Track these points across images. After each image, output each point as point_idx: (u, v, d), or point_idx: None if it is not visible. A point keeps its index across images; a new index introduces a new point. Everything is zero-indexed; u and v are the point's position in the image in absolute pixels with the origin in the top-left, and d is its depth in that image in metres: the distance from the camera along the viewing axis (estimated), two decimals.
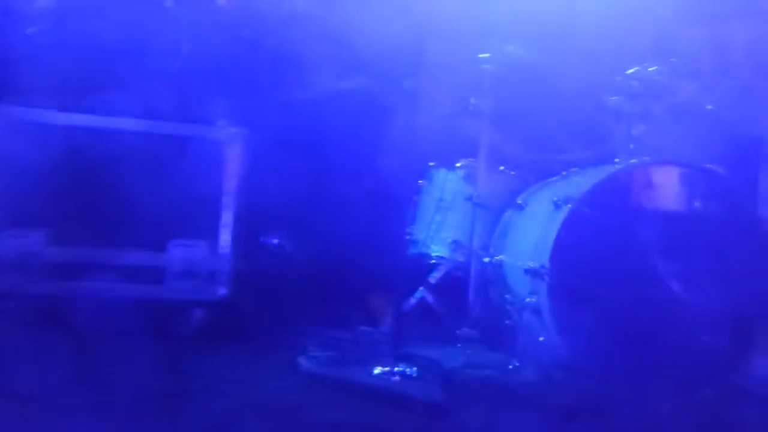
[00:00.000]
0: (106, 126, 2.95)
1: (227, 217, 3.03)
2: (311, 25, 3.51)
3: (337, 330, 2.92)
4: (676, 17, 3.03)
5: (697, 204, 2.57)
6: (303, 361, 2.67)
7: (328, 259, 3.23)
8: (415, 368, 2.60)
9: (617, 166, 2.71)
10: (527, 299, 2.68)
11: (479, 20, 3.10)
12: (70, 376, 2.23)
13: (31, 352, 2.40)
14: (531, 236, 2.76)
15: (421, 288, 3.10)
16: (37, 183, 2.82)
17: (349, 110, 3.38)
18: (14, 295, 2.77)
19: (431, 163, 3.28)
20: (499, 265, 2.97)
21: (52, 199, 2.85)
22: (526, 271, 2.68)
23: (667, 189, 2.60)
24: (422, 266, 3.20)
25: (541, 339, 2.64)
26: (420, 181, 3.32)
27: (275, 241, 3.43)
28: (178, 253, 2.99)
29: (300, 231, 3.32)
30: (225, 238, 3.03)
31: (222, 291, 3.00)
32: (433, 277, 3.11)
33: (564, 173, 2.97)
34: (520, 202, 2.96)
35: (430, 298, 3.10)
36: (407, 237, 3.28)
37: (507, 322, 2.93)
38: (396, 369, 2.58)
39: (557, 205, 2.65)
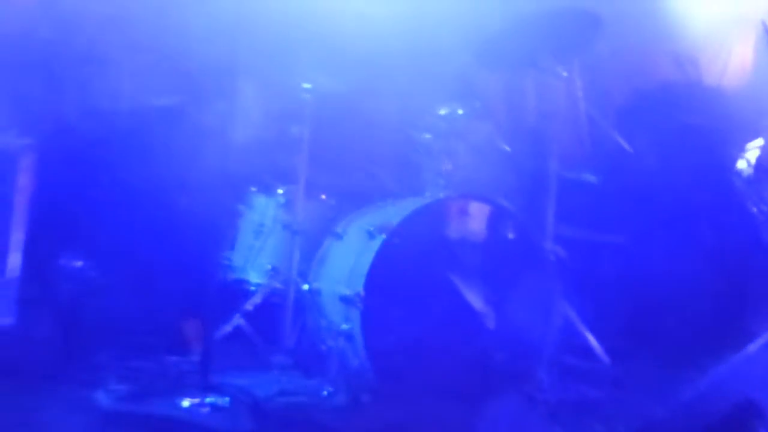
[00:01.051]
0: None
1: (17, 237, 2.76)
2: (126, 32, 3.35)
3: (141, 360, 2.77)
4: (477, 63, 3.29)
5: (493, 234, 2.79)
6: (100, 397, 2.50)
7: (136, 283, 3.07)
8: (226, 398, 2.54)
9: (428, 199, 2.87)
10: (342, 326, 2.73)
11: (300, 48, 3.15)
12: None
13: None
14: (346, 264, 2.84)
15: (236, 315, 3.06)
16: None
17: (162, 126, 3.26)
18: None
19: (252, 188, 3.26)
20: (317, 293, 3.01)
21: None
22: (341, 299, 2.75)
23: (470, 221, 2.80)
24: (239, 292, 3.16)
25: (354, 364, 2.71)
26: (239, 206, 3.28)
27: (78, 263, 3.19)
28: None
29: (105, 253, 3.13)
30: (14, 260, 2.76)
31: (6, 319, 2.72)
32: (250, 304, 3.08)
33: (380, 204, 3.09)
34: (338, 230, 3.03)
35: (245, 324, 3.06)
36: (224, 262, 3.22)
37: (322, 348, 2.96)
38: (206, 400, 2.51)
39: (371, 235, 2.75)
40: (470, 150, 3.08)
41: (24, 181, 2.76)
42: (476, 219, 2.82)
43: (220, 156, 2.91)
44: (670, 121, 3.61)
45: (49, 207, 2.93)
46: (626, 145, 3.49)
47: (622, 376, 3.06)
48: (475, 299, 2.78)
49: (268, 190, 3.22)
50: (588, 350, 3.19)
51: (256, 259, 3.16)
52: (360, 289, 2.65)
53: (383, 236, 2.70)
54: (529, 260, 2.87)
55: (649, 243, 3.45)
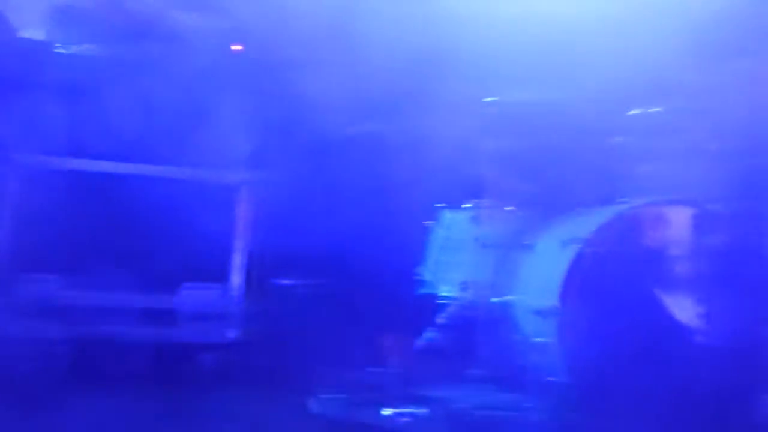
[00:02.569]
0: (119, 171, 3.02)
1: (240, 259, 3.08)
2: (331, 74, 3.56)
3: (348, 371, 2.93)
4: (673, 57, 3.07)
5: (699, 240, 2.58)
6: (315, 404, 2.68)
7: (341, 300, 3.25)
8: (425, 409, 2.60)
9: (624, 206, 2.74)
10: (537, 339, 2.68)
11: (484, 61, 3.16)
12: (81, 420, 2.25)
13: (47, 396, 2.43)
14: (538, 276, 2.78)
15: (431, 328, 3.12)
16: (53, 229, 2.88)
17: (362, 153, 3.43)
18: (32, 339, 2.81)
19: (439, 204, 3.33)
20: (509, 306, 2.98)
21: (68, 245, 2.91)
22: (536, 312, 2.70)
23: (672, 228, 2.63)
24: (433, 306, 3.22)
25: (551, 379, 2.64)
26: (428, 222, 3.36)
27: (290, 282, 3.46)
28: (190, 296, 3.03)
29: (316, 272, 3.35)
30: (238, 280, 3.07)
31: (234, 334, 3.03)
32: (443, 317, 3.12)
33: (571, 213, 3.00)
34: (527, 242, 2.99)
35: (440, 338, 3.11)
36: (418, 277, 3.31)
37: (516, 362, 2.93)
38: (406, 410, 2.59)
39: (564, 245, 2.67)
40: (673, 151, 2.89)
41: (245, 211, 3.06)
42: (679, 225, 2.64)
43: (414, 175, 3.00)
44: None
45: (269, 234, 3.19)
46: None
47: None
48: (685, 313, 2.59)
49: (456, 204, 3.27)
50: None
51: (447, 274, 3.21)
52: (555, 301, 2.59)
53: (577, 246, 2.61)
54: (749, 269, 2.62)
55: None
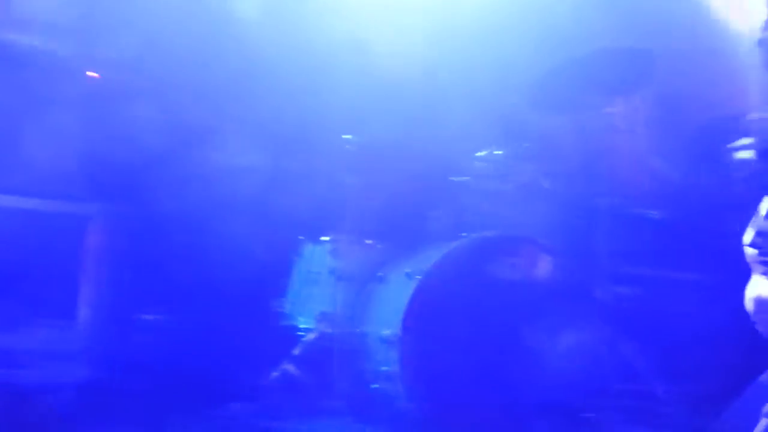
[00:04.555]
0: None
1: (91, 293, 2.99)
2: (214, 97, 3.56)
3: (205, 407, 2.89)
4: (523, 105, 3.31)
5: (534, 273, 2.76)
6: None
7: (198, 333, 3.21)
8: None
9: (465, 239, 2.89)
10: (383, 368, 2.76)
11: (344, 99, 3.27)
12: None
13: None
14: (388, 307, 2.88)
15: (286, 360, 3.14)
16: None
17: (237, 184, 3.44)
18: None
19: (300, 237, 3.39)
20: (362, 336, 3.05)
21: None
22: (382, 340, 2.78)
23: (510, 260, 2.79)
24: (290, 338, 3.25)
25: (398, 405, 2.71)
26: (291, 255, 3.41)
27: (152, 317, 3.39)
28: (41, 334, 2.90)
29: (173, 306, 3.30)
30: (90, 315, 2.97)
31: (88, 373, 2.91)
32: (299, 349, 3.15)
33: (423, 246, 3.13)
34: (380, 274, 3.09)
35: (294, 370, 3.13)
36: (277, 309, 3.33)
37: (369, 391, 2.99)
38: None
39: (410, 276, 2.79)
40: (514, 191, 3.09)
41: (96, 243, 2.98)
42: (517, 258, 2.81)
43: (274, 208, 3.04)
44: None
45: (124, 267, 3.13)
46: (682, 178, 3.38)
47: (685, 419, 2.90)
48: (521, 339, 2.74)
49: (316, 238, 3.34)
50: (649, 392, 3.04)
51: (306, 305, 3.25)
52: (397, 329, 2.68)
53: (419, 277, 2.73)
54: (576, 300, 2.81)
55: (720, 280, 3.29)
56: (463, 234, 2.97)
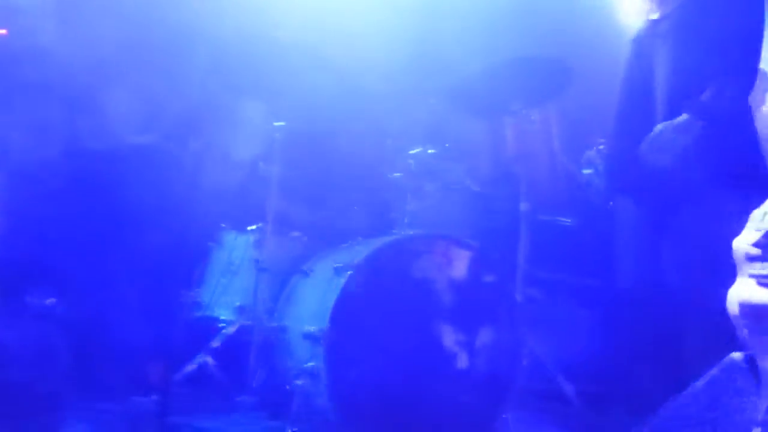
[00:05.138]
0: None
1: None
2: (108, 75, 3.39)
3: (104, 401, 2.72)
4: (449, 106, 3.35)
5: (458, 273, 2.78)
6: None
7: (103, 321, 3.03)
8: None
9: (394, 237, 2.87)
10: (306, 364, 2.69)
11: (272, 88, 3.18)
12: None
13: None
14: (313, 302, 2.82)
15: (202, 353, 3.01)
16: None
17: (139, 164, 3.27)
18: None
19: (222, 225, 3.26)
20: (283, 330, 2.97)
21: None
22: (306, 336, 2.71)
23: (436, 259, 2.80)
24: (207, 330, 3.12)
25: (318, 403, 2.66)
26: (210, 243, 3.27)
27: (46, 301, 3.16)
28: None
29: (74, 290, 3.10)
30: None
31: None
32: (216, 342, 3.03)
33: (350, 241, 3.08)
34: (305, 268, 3.01)
35: (211, 363, 3.01)
36: (193, 299, 3.19)
37: (287, 387, 2.91)
38: None
39: (337, 272, 2.73)
40: (440, 190, 3.11)
41: None
42: (443, 258, 2.82)
43: (192, 193, 2.91)
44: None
45: (21, 245, 2.91)
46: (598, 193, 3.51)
47: (592, 421, 3.01)
48: (441, 339, 2.75)
49: (238, 227, 3.22)
50: (559, 393, 3.14)
51: (224, 297, 3.13)
52: (324, 325, 2.62)
53: (348, 272, 2.68)
54: (497, 300, 2.85)
55: (625, 287, 3.44)
56: (393, 231, 2.95)
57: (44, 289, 3.12)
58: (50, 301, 3.15)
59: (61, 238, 3.08)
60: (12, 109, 3.01)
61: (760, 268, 1.50)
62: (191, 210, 2.89)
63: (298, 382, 2.76)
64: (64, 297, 3.08)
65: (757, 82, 2.25)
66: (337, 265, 2.75)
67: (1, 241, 2.77)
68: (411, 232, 2.89)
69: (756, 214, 1.55)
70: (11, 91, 3.01)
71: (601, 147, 2.88)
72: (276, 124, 3.15)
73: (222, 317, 3.13)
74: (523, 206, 3.13)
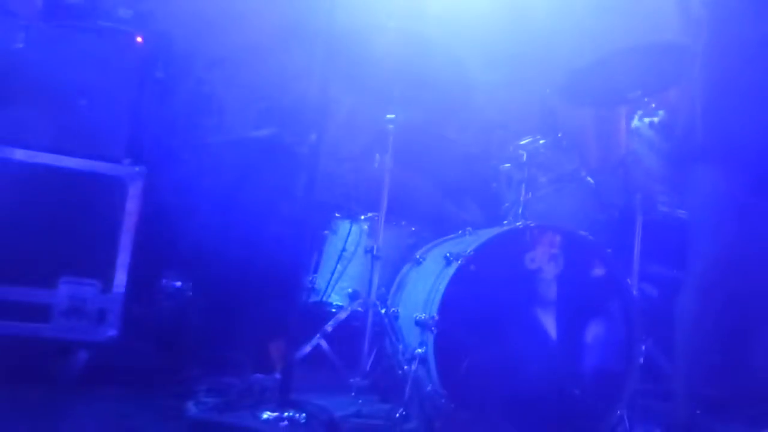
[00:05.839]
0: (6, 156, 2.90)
1: (124, 257, 2.99)
2: (230, 71, 3.61)
3: (229, 376, 2.92)
4: (562, 97, 3.30)
5: (570, 265, 2.75)
6: (190, 407, 2.65)
7: (228, 303, 3.24)
8: (303, 415, 2.62)
9: (505, 228, 2.88)
10: (417, 350, 2.77)
11: (385, 81, 3.25)
12: None
13: None
14: (423, 289, 2.88)
15: (317, 336, 3.15)
16: None
17: (259, 157, 3.46)
18: None
19: (336, 215, 3.39)
20: (395, 317, 3.06)
21: None
22: (417, 323, 2.78)
23: (547, 251, 2.78)
24: (321, 314, 3.26)
25: (428, 389, 2.73)
26: (325, 231, 3.41)
27: (178, 284, 3.41)
28: (68, 291, 2.92)
29: (202, 274, 3.33)
30: (120, 277, 2.98)
31: (111, 332, 2.94)
32: (330, 326, 3.17)
33: (460, 232, 3.12)
34: (418, 256, 3.08)
35: (325, 346, 3.15)
36: (308, 285, 3.34)
37: (399, 372, 3.00)
38: (285, 415, 2.60)
39: (448, 261, 2.78)
40: (554, 182, 3.08)
41: (132, 206, 2.99)
42: (554, 249, 2.80)
43: (309, 183, 3.04)
44: None
45: (155, 231, 3.15)
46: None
47: (702, 422, 2.90)
48: (552, 331, 2.74)
49: (352, 216, 3.33)
50: (672, 395, 3.04)
51: (338, 283, 3.26)
52: (434, 313, 2.68)
53: (459, 262, 2.72)
54: (610, 295, 2.80)
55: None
56: (505, 222, 2.96)
57: (176, 273, 3.39)
58: (179, 283, 3.41)
59: (190, 226, 3.31)
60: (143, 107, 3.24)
61: None
62: (308, 200, 3.02)
63: (408, 367, 2.84)
64: (195, 281, 3.33)
65: None
66: (448, 254, 2.80)
67: (139, 230, 3.01)
68: (522, 223, 2.89)
69: None
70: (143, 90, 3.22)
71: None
72: (388, 116, 3.23)
73: (336, 302, 3.26)
74: (638, 198, 3.05)
